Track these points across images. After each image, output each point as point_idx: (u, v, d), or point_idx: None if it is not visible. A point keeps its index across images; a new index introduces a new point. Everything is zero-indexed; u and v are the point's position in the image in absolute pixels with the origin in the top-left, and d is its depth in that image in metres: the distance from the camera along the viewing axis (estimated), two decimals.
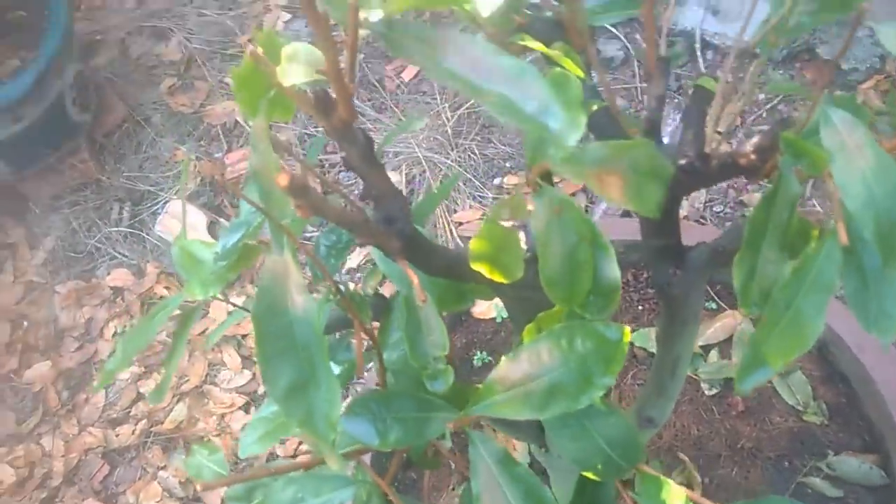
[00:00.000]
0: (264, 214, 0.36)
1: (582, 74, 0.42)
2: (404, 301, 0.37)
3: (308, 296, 0.35)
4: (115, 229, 1.76)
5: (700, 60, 1.59)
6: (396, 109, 1.76)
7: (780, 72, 1.56)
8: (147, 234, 1.74)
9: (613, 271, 0.36)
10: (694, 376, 1.00)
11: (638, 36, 1.70)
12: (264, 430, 0.40)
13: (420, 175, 1.66)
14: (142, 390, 1.55)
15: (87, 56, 1.97)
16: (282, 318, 0.35)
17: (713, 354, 1.02)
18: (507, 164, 1.64)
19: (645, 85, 1.63)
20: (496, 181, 1.63)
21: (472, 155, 1.66)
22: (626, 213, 1.47)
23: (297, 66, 0.35)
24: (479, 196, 1.60)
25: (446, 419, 0.41)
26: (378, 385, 0.51)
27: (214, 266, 0.46)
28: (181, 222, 1.81)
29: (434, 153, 1.66)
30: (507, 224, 0.37)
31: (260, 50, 0.34)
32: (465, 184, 1.62)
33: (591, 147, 0.37)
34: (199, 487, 0.42)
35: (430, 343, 0.37)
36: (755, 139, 0.50)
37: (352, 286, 0.56)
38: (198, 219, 1.67)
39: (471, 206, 1.59)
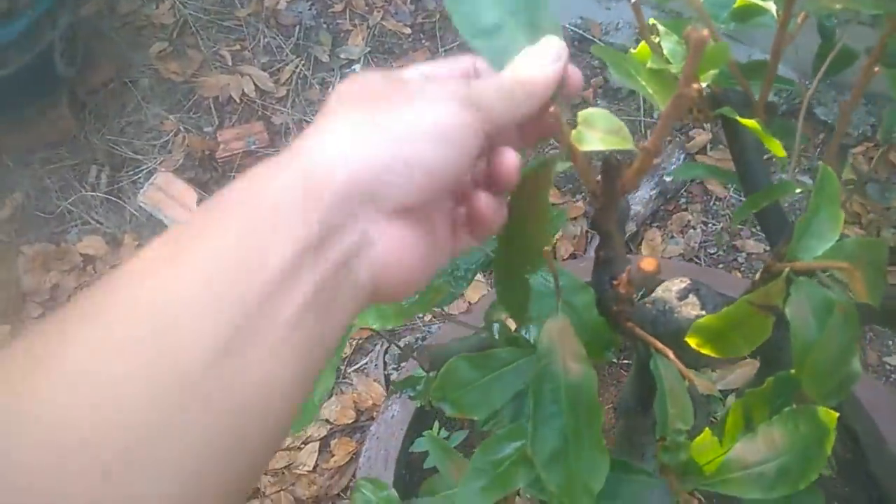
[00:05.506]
0: (553, 277, 0.35)
1: (783, 154, 0.43)
2: (656, 373, 0.38)
3: (585, 364, 0.35)
4: (92, 193, 1.67)
5: None
6: None
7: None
8: (126, 203, 1.66)
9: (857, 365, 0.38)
10: (713, 420, 1.03)
11: None
12: (485, 482, 0.39)
13: None
14: None
15: (75, 8, 1.86)
16: (554, 383, 0.35)
17: (731, 399, 1.06)
18: None
19: (649, 119, 1.67)
20: None
21: None
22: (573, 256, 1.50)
23: (594, 134, 0.35)
24: None
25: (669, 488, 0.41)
26: None
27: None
28: (168, 196, 1.70)
29: None
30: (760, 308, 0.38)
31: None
32: None
33: (847, 242, 0.39)
34: None
35: (673, 416, 0.37)
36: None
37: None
38: (188, 195, 1.60)
39: None
